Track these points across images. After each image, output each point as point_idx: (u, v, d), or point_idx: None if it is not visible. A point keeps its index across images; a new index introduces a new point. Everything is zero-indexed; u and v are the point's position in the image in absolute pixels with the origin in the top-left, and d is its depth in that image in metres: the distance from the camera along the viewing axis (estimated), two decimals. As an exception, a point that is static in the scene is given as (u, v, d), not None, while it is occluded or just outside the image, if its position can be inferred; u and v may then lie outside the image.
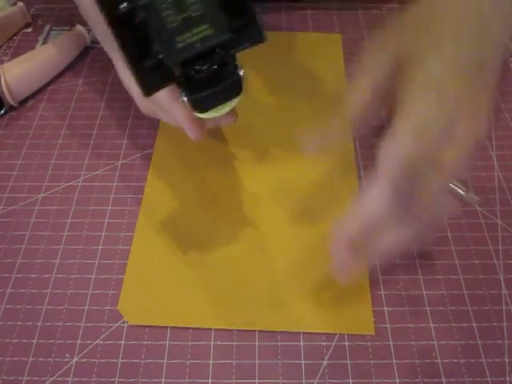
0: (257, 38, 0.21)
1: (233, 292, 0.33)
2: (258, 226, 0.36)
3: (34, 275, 0.34)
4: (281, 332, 0.32)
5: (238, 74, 0.23)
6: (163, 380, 0.30)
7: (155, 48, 0.20)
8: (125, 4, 0.18)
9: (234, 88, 0.23)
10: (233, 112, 0.30)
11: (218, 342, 0.31)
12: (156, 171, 0.39)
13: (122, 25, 0.19)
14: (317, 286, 0.33)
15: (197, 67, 0.22)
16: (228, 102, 0.26)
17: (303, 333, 0.31)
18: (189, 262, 0.34)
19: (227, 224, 0.36)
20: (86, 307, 0.33)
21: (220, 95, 0.24)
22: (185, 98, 0.24)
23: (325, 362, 0.30)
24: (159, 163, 0.40)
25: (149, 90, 0.22)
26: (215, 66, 0.22)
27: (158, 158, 0.40)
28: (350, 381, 0.30)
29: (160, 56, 0.21)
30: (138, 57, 0.21)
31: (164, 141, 0.41)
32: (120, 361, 0.30)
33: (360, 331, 0.31)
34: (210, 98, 0.24)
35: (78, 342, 0.31)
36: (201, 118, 0.28)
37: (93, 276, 0.34)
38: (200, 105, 0.24)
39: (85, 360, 0.31)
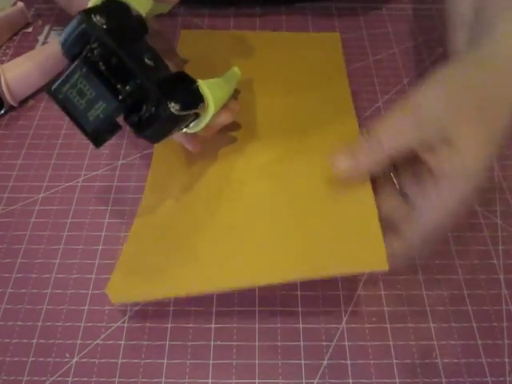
0: (153, 93, 0.28)
1: (235, 250, 0.32)
2: (260, 222, 0.35)
3: (33, 275, 0.34)
4: (281, 332, 0.32)
5: (170, 113, 0.28)
6: (163, 380, 0.30)
7: None
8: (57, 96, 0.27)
9: (171, 121, 0.29)
10: (227, 111, 0.34)
11: (218, 342, 0.31)
12: (156, 170, 0.39)
13: (62, 108, 0.28)
14: (318, 227, 0.32)
15: (136, 114, 0.28)
16: (196, 123, 0.31)
17: (303, 332, 0.31)
18: (186, 264, 0.34)
19: (228, 220, 0.36)
20: (86, 307, 0.33)
21: (163, 129, 0.29)
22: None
23: (325, 362, 0.30)
24: (160, 161, 0.40)
25: (99, 143, 0.29)
26: (152, 109, 0.28)
27: (159, 156, 0.40)
28: (350, 381, 0.30)
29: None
30: (80, 127, 0.28)
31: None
32: (120, 361, 0.30)
33: (372, 266, 0.29)
34: (155, 132, 0.29)
35: (78, 342, 0.31)
36: (193, 133, 0.33)
37: (93, 276, 0.34)
38: (151, 139, 0.30)
39: (85, 360, 0.31)
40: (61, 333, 0.32)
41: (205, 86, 0.30)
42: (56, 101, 0.28)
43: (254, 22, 0.52)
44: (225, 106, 0.33)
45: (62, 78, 0.27)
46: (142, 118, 0.28)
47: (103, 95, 0.27)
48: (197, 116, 0.31)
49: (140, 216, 0.36)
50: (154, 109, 0.28)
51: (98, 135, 0.29)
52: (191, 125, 0.31)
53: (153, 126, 0.29)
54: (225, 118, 0.34)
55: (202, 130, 0.32)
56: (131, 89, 0.27)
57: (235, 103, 0.36)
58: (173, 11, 0.54)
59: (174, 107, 0.28)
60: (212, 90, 0.30)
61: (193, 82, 0.30)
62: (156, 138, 0.30)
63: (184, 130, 0.32)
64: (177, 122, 0.30)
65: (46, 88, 0.28)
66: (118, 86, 0.27)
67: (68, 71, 0.27)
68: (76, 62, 0.26)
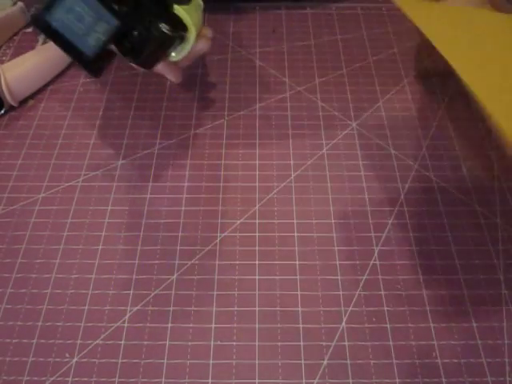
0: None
1: None
2: None
3: (33, 275, 0.34)
4: (281, 332, 0.32)
5: (162, 32, 0.29)
6: (163, 380, 0.30)
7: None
8: (51, 24, 0.27)
9: (162, 42, 0.30)
10: (203, 38, 0.36)
11: (218, 342, 0.31)
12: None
13: (55, 37, 0.27)
14: None
15: (129, 39, 0.29)
16: (181, 48, 0.34)
17: (303, 332, 0.31)
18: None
19: None
20: (86, 307, 0.33)
21: (156, 50, 0.31)
22: (132, 64, 0.31)
23: (325, 362, 0.30)
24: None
25: (99, 71, 0.30)
26: (144, 31, 0.29)
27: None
28: (350, 381, 0.30)
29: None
30: (78, 55, 0.28)
31: None
32: (120, 361, 0.31)
33: None
34: (150, 55, 0.30)
35: (78, 342, 0.31)
36: (175, 62, 0.35)
37: (93, 276, 0.34)
38: (145, 63, 0.31)
39: (85, 360, 0.31)
40: (61, 333, 0.32)
41: (182, 10, 0.31)
42: (48, 30, 0.27)
43: (254, 20, 0.52)
44: (201, 34, 0.35)
45: (49, 5, 0.27)
46: (135, 41, 0.30)
47: (104, 16, 0.27)
48: (182, 40, 0.32)
49: None
50: (145, 31, 0.29)
51: (98, 61, 0.29)
52: (178, 49, 0.33)
53: (147, 48, 0.30)
54: (203, 45, 0.36)
55: (185, 56, 0.34)
56: (128, 9, 0.28)
57: (209, 30, 0.37)
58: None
59: (164, 27, 0.29)
60: (190, 14, 0.32)
61: (172, 6, 0.31)
62: (150, 61, 0.31)
63: (172, 54, 0.34)
64: (167, 44, 0.31)
65: (33, 18, 0.27)
66: (116, 7, 0.28)
67: None
68: None
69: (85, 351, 0.31)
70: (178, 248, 0.36)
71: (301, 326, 0.32)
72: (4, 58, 0.49)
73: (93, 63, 0.29)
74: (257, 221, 0.37)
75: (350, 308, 0.33)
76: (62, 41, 0.27)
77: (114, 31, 0.28)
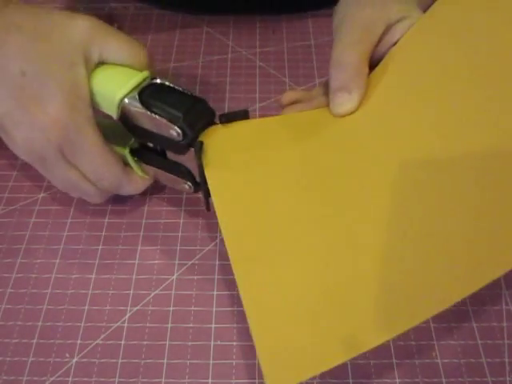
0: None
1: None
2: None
3: (34, 275, 0.34)
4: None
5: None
6: (163, 380, 0.30)
7: None
8: None
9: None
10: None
11: (218, 342, 0.31)
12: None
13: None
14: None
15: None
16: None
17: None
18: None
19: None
20: (86, 307, 0.33)
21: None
22: (188, 185, 0.34)
23: (325, 362, 0.30)
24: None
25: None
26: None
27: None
28: (350, 381, 0.30)
29: None
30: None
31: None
32: (120, 361, 0.30)
33: None
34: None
35: (78, 342, 0.31)
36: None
37: (93, 276, 0.34)
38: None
39: (85, 360, 0.31)
40: (61, 333, 0.32)
41: None
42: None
43: (254, 28, 0.53)
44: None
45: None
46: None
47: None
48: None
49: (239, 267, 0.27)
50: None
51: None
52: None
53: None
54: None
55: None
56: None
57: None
58: (171, 20, 0.54)
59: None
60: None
61: None
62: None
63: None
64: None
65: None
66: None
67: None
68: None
69: (85, 351, 0.31)
70: (178, 248, 0.36)
71: (301, 326, 0.32)
72: (4, 58, 0.49)
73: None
74: (257, 221, 0.37)
75: (350, 308, 0.33)
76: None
77: None
